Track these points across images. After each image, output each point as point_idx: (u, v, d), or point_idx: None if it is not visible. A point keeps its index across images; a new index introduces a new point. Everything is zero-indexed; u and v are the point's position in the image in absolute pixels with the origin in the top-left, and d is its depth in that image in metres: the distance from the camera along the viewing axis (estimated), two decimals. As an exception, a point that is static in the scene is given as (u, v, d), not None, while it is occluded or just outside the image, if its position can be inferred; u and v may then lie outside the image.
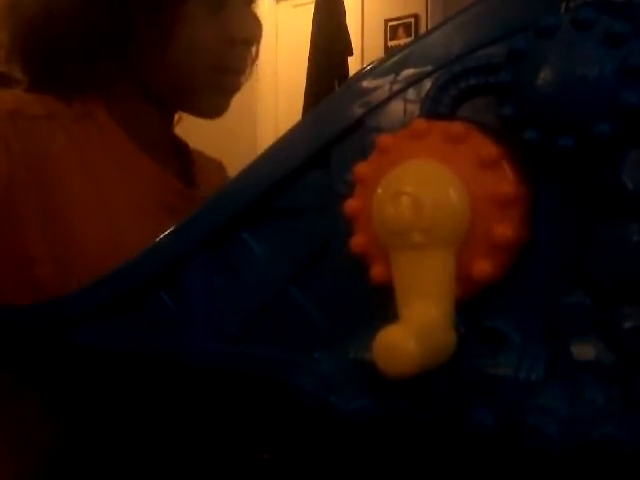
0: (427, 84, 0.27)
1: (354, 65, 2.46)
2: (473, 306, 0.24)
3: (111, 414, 0.41)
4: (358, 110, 0.28)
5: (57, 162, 0.48)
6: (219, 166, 0.69)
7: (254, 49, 0.58)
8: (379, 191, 0.24)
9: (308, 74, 2.39)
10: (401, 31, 2.98)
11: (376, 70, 0.28)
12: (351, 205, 0.26)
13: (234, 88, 0.57)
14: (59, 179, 0.48)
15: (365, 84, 0.28)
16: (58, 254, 0.45)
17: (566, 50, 0.22)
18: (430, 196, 0.23)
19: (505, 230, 0.23)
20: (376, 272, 0.25)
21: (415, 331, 0.22)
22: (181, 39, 0.52)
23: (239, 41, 0.54)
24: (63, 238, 0.46)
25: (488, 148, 0.23)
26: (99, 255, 0.45)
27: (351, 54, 2.42)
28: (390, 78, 0.27)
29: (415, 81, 0.27)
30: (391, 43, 2.98)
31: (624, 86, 0.21)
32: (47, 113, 0.50)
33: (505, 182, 0.23)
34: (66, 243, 0.46)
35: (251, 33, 0.56)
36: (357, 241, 0.26)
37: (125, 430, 0.41)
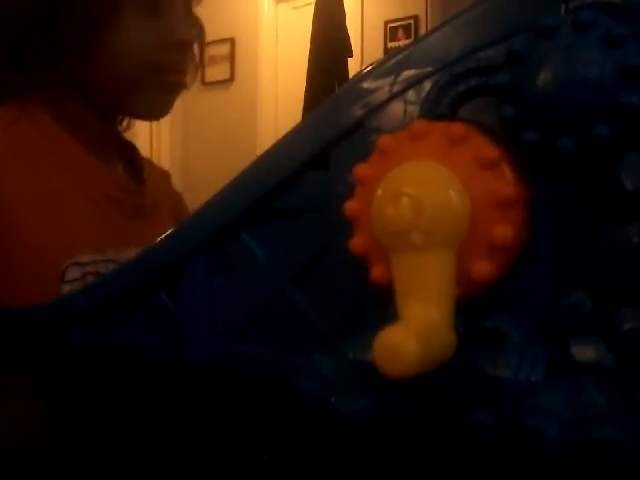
0: (427, 85, 0.27)
1: (354, 66, 2.46)
2: (473, 307, 0.24)
3: (108, 413, 0.41)
4: (358, 111, 0.28)
5: None
6: (166, 175, 0.70)
7: (196, 49, 0.58)
8: (379, 192, 0.24)
9: (308, 75, 2.39)
10: (401, 32, 2.99)
11: (376, 71, 0.28)
12: (351, 206, 0.26)
13: (173, 87, 0.57)
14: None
15: (365, 85, 0.28)
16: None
17: (566, 51, 0.22)
18: (430, 197, 0.23)
19: (505, 231, 0.23)
20: (376, 273, 0.25)
21: (415, 332, 0.22)
22: (115, 44, 0.52)
23: (175, 43, 0.54)
24: (4, 234, 0.46)
25: (488, 149, 0.23)
26: (41, 252, 0.46)
27: (351, 55, 2.42)
28: (390, 79, 0.27)
29: (415, 82, 0.27)
30: (391, 44, 2.98)
31: (624, 87, 0.21)
32: None
33: (505, 183, 0.23)
34: (6, 237, 0.46)
35: (187, 35, 0.55)
36: (357, 242, 0.26)
37: (122, 429, 0.41)
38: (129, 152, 0.64)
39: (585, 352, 0.24)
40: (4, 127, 0.50)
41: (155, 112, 0.58)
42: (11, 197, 0.47)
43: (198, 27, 0.58)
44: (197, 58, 0.62)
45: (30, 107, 0.53)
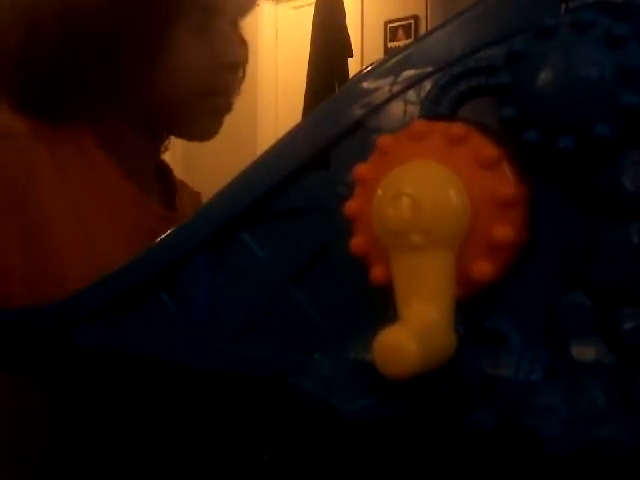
0: (427, 85, 0.27)
1: (354, 66, 2.46)
2: (473, 307, 0.24)
3: (109, 413, 0.41)
4: (358, 111, 0.28)
5: (38, 181, 0.48)
6: (197, 198, 0.70)
7: (241, 70, 0.58)
8: (379, 192, 0.24)
9: (308, 75, 2.39)
10: (401, 32, 2.99)
11: (376, 71, 0.28)
12: (351, 206, 0.26)
13: (224, 110, 0.57)
14: (39, 198, 0.48)
15: (365, 85, 0.28)
16: (32, 272, 0.45)
17: (566, 51, 0.22)
18: (430, 197, 0.23)
19: (505, 231, 0.23)
20: (376, 273, 0.25)
21: (415, 332, 0.22)
22: (168, 66, 0.51)
23: (227, 65, 0.54)
24: (39, 256, 0.46)
25: (488, 149, 0.23)
26: (74, 276, 0.45)
27: (351, 55, 2.42)
28: (390, 79, 0.27)
29: (415, 82, 0.27)
30: (391, 44, 2.98)
31: (624, 87, 0.21)
32: (31, 133, 0.50)
33: (505, 183, 0.23)
34: (41, 261, 0.46)
35: (238, 56, 0.55)
36: (357, 242, 0.26)
37: (123, 429, 0.41)
38: (166, 176, 0.63)
39: (585, 352, 0.24)
40: (51, 148, 0.50)
41: (205, 134, 0.57)
42: (48, 220, 0.47)
43: (245, 47, 0.58)
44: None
45: (77, 130, 0.52)
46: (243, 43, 0.57)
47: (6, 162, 0.47)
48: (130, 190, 0.54)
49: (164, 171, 0.63)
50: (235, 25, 0.56)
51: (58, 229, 0.47)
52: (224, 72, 0.54)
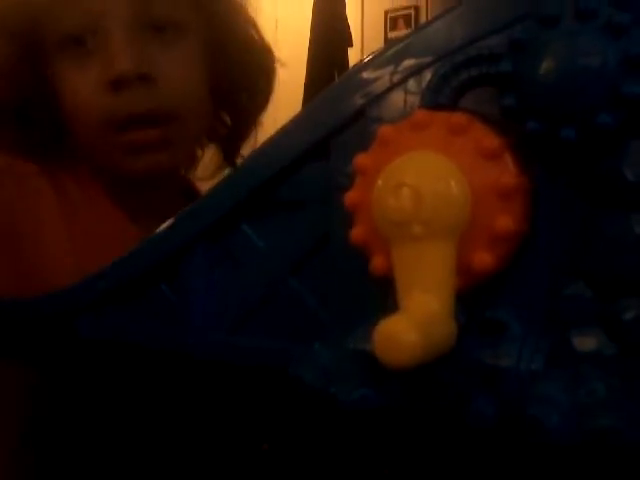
0: (428, 75, 0.26)
1: (354, 56, 2.45)
2: (474, 297, 0.24)
3: (109, 403, 0.41)
4: (358, 101, 0.28)
5: (40, 217, 0.47)
6: None
7: (160, 84, 0.47)
8: (379, 182, 0.24)
9: (308, 65, 2.38)
10: (401, 22, 2.97)
11: (376, 61, 0.28)
12: (351, 197, 0.26)
13: (142, 143, 0.48)
14: (38, 233, 0.47)
15: (365, 75, 0.28)
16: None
17: (568, 40, 0.22)
18: (431, 187, 0.23)
19: (506, 221, 0.23)
20: (376, 263, 0.25)
21: (416, 322, 0.22)
22: (63, 105, 0.48)
23: (113, 83, 0.46)
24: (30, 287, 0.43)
25: (489, 139, 0.23)
26: None
27: (351, 45, 2.41)
28: (390, 69, 0.27)
29: (415, 72, 0.27)
30: (391, 34, 2.97)
31: (626, 77, 0.21)
32: (34, 172, 0.48)
33: (506, 173, 0.23)
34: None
35: (124, 71, 0.45)
36: (357, 232, 0.26)
37: (123, 419, 0.41)
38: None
39: (586, 342, 0.24)
40: (54, 187, 0.49)
41: (135, 172, 0.50)
42: (45, 254, 0.46)
43: (140, 59, 0.46)
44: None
45: (79, 169, 0.51)
46: (140, 54, 0.46)
47: (9, 197, 0.46)
48: (131, 231, 0.51)
49: (191, 196, 0.58)
50: (135, 33, 0.47)
51: (55, 267, 0.46)
52: (115, 90, 0.46)
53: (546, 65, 0.22)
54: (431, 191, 0.23)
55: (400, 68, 0.27)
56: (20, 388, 0.44)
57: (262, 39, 0.57)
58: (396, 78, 0.27)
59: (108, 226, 0.51)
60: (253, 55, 0.56)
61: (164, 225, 0.35)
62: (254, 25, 0.57)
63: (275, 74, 0.58)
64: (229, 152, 0.59)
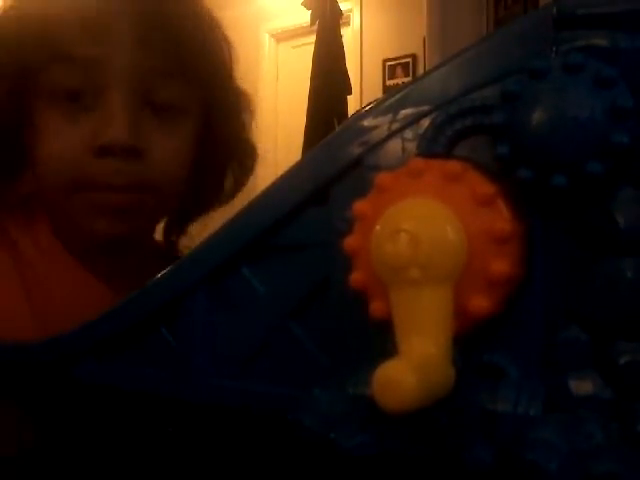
0: (425, 123, 0.27)
1: (353, 103, 2.50)
2: (471, 341, 0.25)
3: (106, 447, 0.41)
4: (357, 149, 0.29)
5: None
6: None
7: (147, 161, 0.46)
8: (378, 228, 0.25)
9: (308, 113, 2.42)
10: (399, 70, 3.04)
11: (375, 110, 0.29)
12: (350, 242, 0.26)
13: (112, 207, 0.46)
14: None
15: (364, 123, 0.29)
16: None
17: (557, 92, 0.23)
18: (428, 233, 0.23)
19: (502, 266, 0.23)
20: (375, 308, 0.26)
21: (414, 366, 0.22)
22: (37, 155, 0.46)
23: (101, 148, 0.44)
24: None
25: (484, 186, 0.24)
26: None
27: (350, 93, 2.46)
28: (389, 117, 0.28)
29: (413, 121, 0.28)
30: (389, 82, 3.03)
31: (614, 127, 0.22)
32: None
33: (501, 219, 0.23)
34: None
35: (119, 136, 0.44)
36: (356, 277, 0.26)
37: (120, 463, 0.41)
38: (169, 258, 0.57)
39: (583, 386, 0.24)
40: (5, 236, 0.48)
41: (96, 235, 0.48)
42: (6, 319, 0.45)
43: (130, 133, 0.45)
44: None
45: (34, 218, 0.50)
46: (131, 128, 0.45)
47: None
48: (96, 289, 0.49)
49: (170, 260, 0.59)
50: (128, 108, 0.45)
51: (11, 326, 0.44)
52: (99, 157, 0.45)
53: (537, 116, 0.23)
54: (428, 236, 0.23)
55: (399, 117, 0.28)
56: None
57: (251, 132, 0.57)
58: (394, 127, 0.28)
59: (75, 288, 0.49)
60: (244, 146, 0.56)
61: (164, 271, 0.35)
62: (251, 113, 0.57)
63: (254, 165, 0.58)
64: (184, 220, 0.58)
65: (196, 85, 0.49)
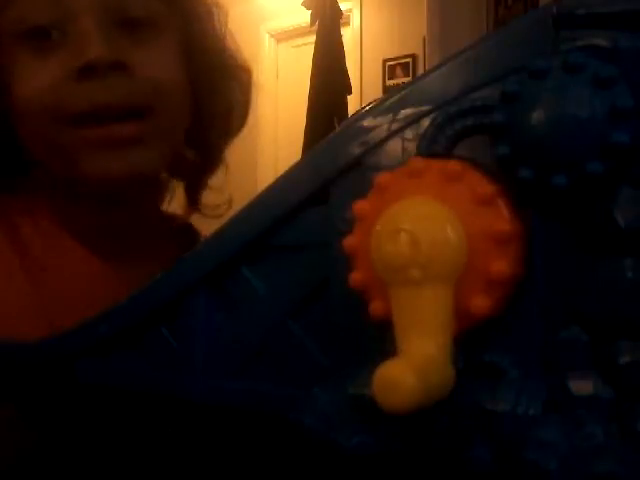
0: (425, 123, 0.27)
1: (353, 103, 2.50)
2: (471, 341, 0.25)
3: (106, 447, 0.41)
4: (357, 149, 0.29)
5: None
6: None
7: (136, 74, 0.43)
8: (378, 228, 0.25)
9: (308, 113, 2.42)
10: (399, 70, 3.04)
11: (375, 110, 0.29)
12: (350, 241, 0.26)
13: (109, 138, 0.43)
14: None
15: (364, 124, 0.29)
16: None
17: (558, 92, 0.23)
18: (427, 233, 0.23)
19: (501, 266, 0.23)
20: (375, 307, 0.26)
21: (414, 366, 0.22)
22: (15, 94, 0.43)
23: (83, 70, 0.42)
24: None
25: (484, 186, 0.24)
26: None
27: (350, 93, 2.46)
28: (389, 117, 0.28)
29: (413, 121, 0.28)
30: (389, 82, 3.03)
31: (614, 127, 0.22)
32: None
33: (501, 219, 0.23)
34: None
35: (97, 56, 0.41)
36: (356, 277, 0.26)
37: (121, 464, 0.41)
38: (184, 239, 0.56)
39: (583, 386, 0.24)
40: (8, 221, 0.47)
41: (106, 174, 0.44)
42: (5, 303, 0.44)
43: (105, 49, 0.42)
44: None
45: (34, 205, 0.48)
46: (105, 44, 0.42)
47: None
48: (93, 264, 0.48)
49: (179, 233, 0.56)
50: (105, 23, 0.43)
51: (14, 314, 0.44)
52: (81, 79, 0.42)
53: (537, 116, 0.23)
54: (428, 236, 0.23)
55: (399, 117, 0.28)
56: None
57: (240, 56, 0.54)
58: (394, 127, 0.28)
59: (75, 270, 0.48)
60: (229, 65, 0.53)
61: (165, 270, 0.35)
62: (233, 39, 0.54)
63: (250, 92, 0.55)
64: (194, 188, 0.56)
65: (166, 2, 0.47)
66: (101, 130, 0.43)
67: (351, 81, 2.49)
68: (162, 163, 0.49)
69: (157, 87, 0.45)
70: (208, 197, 0.57)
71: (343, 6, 2.62)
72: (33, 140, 0.45)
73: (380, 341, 0.25)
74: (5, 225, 0.47)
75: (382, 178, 0.26)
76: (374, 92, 2.92)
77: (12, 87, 0.43)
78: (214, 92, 0.51)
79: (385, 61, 3.07)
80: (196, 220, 0.60)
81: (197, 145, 0.54)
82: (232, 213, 0.33)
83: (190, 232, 0.58)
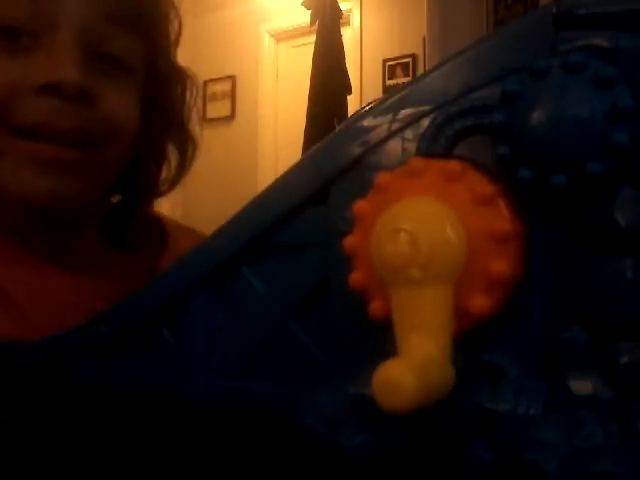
0: (425, 123, 0.27)
1: (353, 103, 2.50)
2: (471, 341, 0.25)
3: (104, 448, 0.41)
4: (357, 149, 0.29)
5: None
6: None
7: (98, 108, 0.43)
8: (377, 228, 0.25)
9: (308, 113, 2.42)
10: (399, 70, 3.04)
11: (375, 110, 0.29)
12: (350, 241, 0.26)
13: (55, 159, 0.42)
14: None
15: (364, 123, 0.29)
16: None
17: (557, 91, 0.23)
18: (427, 233, 0.23)
19: (501, 266, 0.23)
20: (375, 307, 0.26)
21: (414, 366, 0.22)
22: None
23: (46, 87, 0.41)
24: None
25: (483, 186, 0.24)
26: None
27: (350, 93, 2.46)
28: (389, 117, 0.28)
29: (413, 120, 0.28)
30: (389, 82, 3.04)
31: (614, 127, 0.22)
32: None
33: (501, 219, 0.23)
34: None
35: (67, 78, 0.41)
36: (356, 277, 0.26)
37: (120, 464, 0.41)
38: (151, 233, 0.55)
39: (583, 386, 0.24)
40: None
41: (22, 191, 0.42)
42: None
43: (69, 70, 0.41)
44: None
45: None
46: (71, 66, 0.41)
47: None
48: (57, 277, 0.47)
49: (146, 228, 0.54)
50: (76, 46, 0.42)
51: None
52: (34, 95, 0.41)
53: (537, 115, 0.23)
54: (428, 236, 0.23)
55: (399, 117, 0.28)
56: None
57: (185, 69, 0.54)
58: (394, 127, 0.28)
59: (30, 280, 0.46)
60: (184, 129, 0.54)
61: (165, 269, 0.35)
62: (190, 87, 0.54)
63: (192, 157, 0.55)
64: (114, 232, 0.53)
65: (145, 43, 0.46)
66: (41, 147, 0.42)
67: (351, 81, 2.49)
68: (86, 197, 0.47)
69: (113, 126, 0.45)
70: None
71: (343, 6, 2.62)
72: None
73: (380, 341, 0.25)
74: None
75: (382, 178, 0.26)
76: (374, 92, 2.93)
77: None
78: (157, 145, 0.52)
79: (385, 61, 3.07)
80: (199, 218, 0.59)
81: (124, 190, 0.53)
82: (232, 213, 0.33)
83: (156, 224, 0.57)
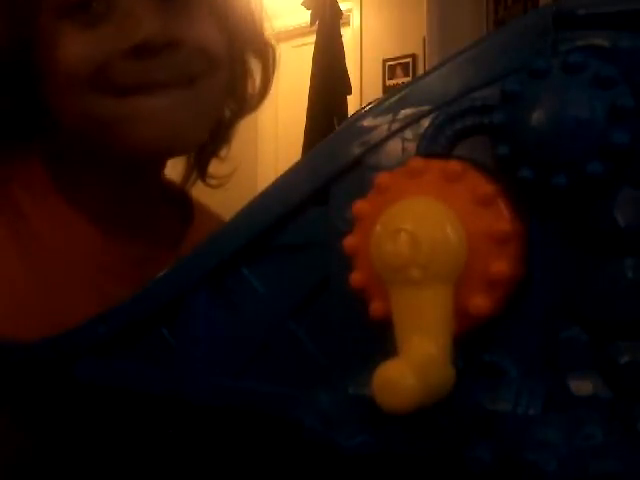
0: (425, 123, 0.27)
1: (353, 103, 2.50)
2: (471, 341, 0.25)
3: (106, 448, 0.41)
4: (357, 149, 0.29)
5: None
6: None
7: (188, 48, 0.43)
8: (378, 228, 0.25)
9: (308, 113, 2.42)
10: (399, 70, 3.04)
11: (375, 110, 0.29)
12: (350, 241, 0.26)
13: (158, 111, 0.43)
14: None
15: (364, 124, 0.29)
16: None
17: (557, 92, 0.23)
18: (428, 233, 0.23)
19: (501, 266, 0.23)
20: (375, 307, 0.26)
21: (414, 366, 0.22)
22: (55, 66, 0.42)
23: (135, 49, 0.41)
24: None
25: (484, 186, 0.24)
26: (27, 326, 0.41)
27: (350, 93, 2.46)
28: (389, 117, 0.28)
29: (413, 121, 0.28)
30: (389, 82, 3.03)
31: (614, 127, 0.22)
32: None
33: (501, 219, 0.23)
34: None
35: (151, 36, 0.41)
36: (356, 277, 0.26)
37: (120, 465, 0.41)
38: (179, 207, 0.56)
39: (582, 386, 0.24)
40: (7, 195, 0.46)
41: (146, 144, 0.44)
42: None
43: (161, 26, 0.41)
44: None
45: (29, 171, 0.47)
46: (159, 21, 0.41)
47: None
48: (94, 236, 0.47)
49: (177, 202, 0.56)
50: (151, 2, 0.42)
51: (9, 287, 0.43)
52: (129, 57, 0.41)
53: (537, 115, 0.23)
54: (428, 236, 0.23)
55: (399, 117, 0.28)
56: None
57: (267, 30, 0.55)
58: (394, 127, 0.28)
59: (67, 235, 0.47)
60: (256, 42, 0.53)
61: (164, 270, 0.35)
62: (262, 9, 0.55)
63: (273, 69, 0.55)
64: (204, 158, 0.56)
65: None
66: (151, 100, 0.43)
67: (351, 81, 2.49)
68: (203, 135, 0.48)
69: (206, 55, 0.44)
70: (213, 168, 0.57)
71: (343, 6, 2.62)
72: (68, 108, 0.44)
73: (380, 341, 0.25)
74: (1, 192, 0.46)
75: (382, 178, 0.26)
76: (374, 92, 2.92)
77: (49, 58, 0.42)
78: (241, 60, 0.51)
79: (385, 61, 3.07)
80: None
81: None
82: (232, 213, 0.33)
83: (185, 200, 0.58)
